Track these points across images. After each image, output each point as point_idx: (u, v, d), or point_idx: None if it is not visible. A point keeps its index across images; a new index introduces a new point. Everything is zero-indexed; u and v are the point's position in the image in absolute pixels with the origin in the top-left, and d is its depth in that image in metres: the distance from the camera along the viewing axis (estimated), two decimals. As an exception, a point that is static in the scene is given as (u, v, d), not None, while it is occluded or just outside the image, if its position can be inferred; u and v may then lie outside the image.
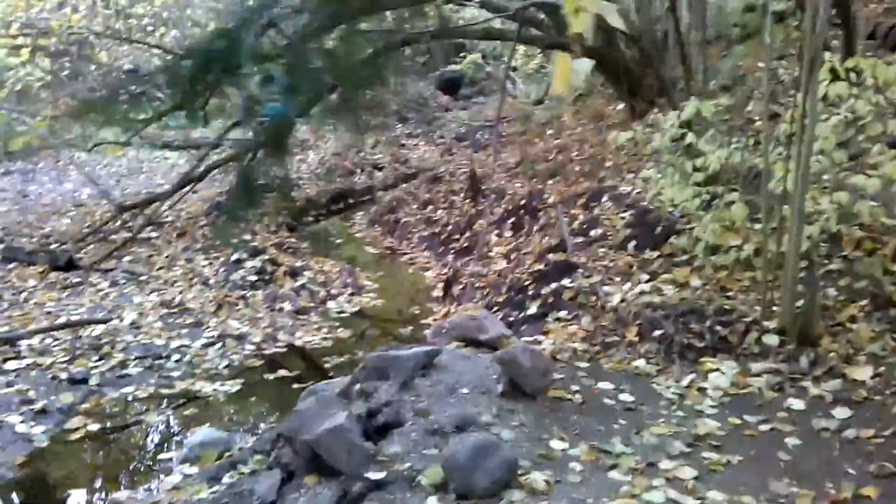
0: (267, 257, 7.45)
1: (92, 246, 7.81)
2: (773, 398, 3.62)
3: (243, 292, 6.76)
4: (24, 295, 6.48)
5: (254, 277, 7.04)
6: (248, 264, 7.22)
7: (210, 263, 7.35)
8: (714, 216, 4.56)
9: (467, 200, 9.04)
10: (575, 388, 3.70)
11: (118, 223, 8.32)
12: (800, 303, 3.97)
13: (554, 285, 5.58)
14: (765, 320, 4.11)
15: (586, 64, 2.13)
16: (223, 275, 7.02)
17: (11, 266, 7.11)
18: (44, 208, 9.45)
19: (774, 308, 4.16)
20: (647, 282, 5.12)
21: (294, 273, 7.32)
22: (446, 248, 8.41)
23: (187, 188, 8.72)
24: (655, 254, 5.47)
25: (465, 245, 8.15)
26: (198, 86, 5.88)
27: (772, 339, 3.97)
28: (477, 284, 6.83)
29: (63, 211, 9.30)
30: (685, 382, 3.84)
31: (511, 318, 5.53)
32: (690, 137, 4.76)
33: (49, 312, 6.11)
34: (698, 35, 7.79)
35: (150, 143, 12.93)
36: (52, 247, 7.60)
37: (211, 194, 9.70)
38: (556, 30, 7.88)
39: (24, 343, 5.35)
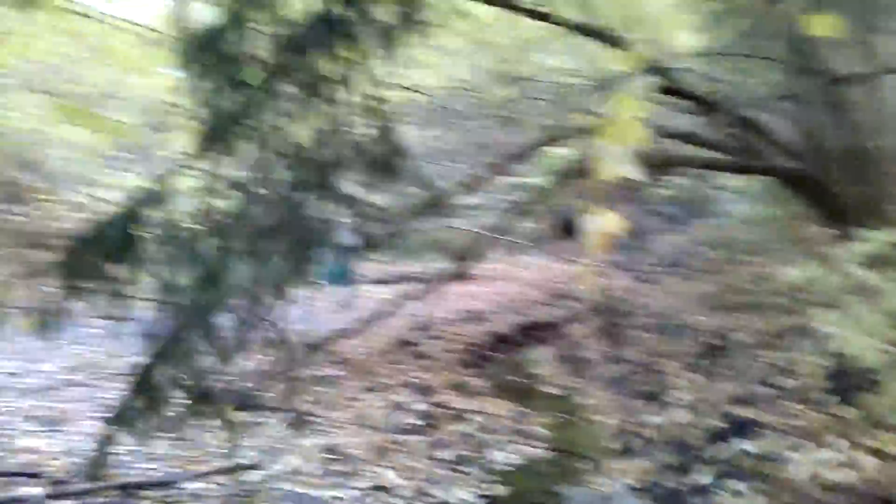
0: (433, 400, 7.26)
1: (281, 385, 8.05)
2: None
3: (405, 437, 6.57)
4: (205, 434, 6.72)
5: (418, 421, 6.86)
6: (414, 406, 7.06)
7: (379, 404, 7.28)
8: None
9: (654, 336, 8.39)
10: None
11: (303, 361, 8.55)
12: None
13: (733, 446, 4.83)
14: None
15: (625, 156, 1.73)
16: (388, 417, 6.90)
17: (201, 403, 7.46)
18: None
19: None
20: (843, 449, 4.27)
21: (460, 417, 7.05)
22: (629, 391, 7.76)
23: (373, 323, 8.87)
24: (855, 412, 4.59)
25: (648, 388, 7.47)
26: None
27: None
28: (653, 436, 6.15)
29: (253, 348, 9.62)
30: None
31: (681, 489, 4.82)
32: (875, 277, 3.98)
33: (215, 453, 6.25)
34: None
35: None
36: (238, 385, 7.91)
37: (398, 328, 9.83)
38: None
39: (181, 486, 5.46)
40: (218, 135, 4.12)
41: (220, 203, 4.69)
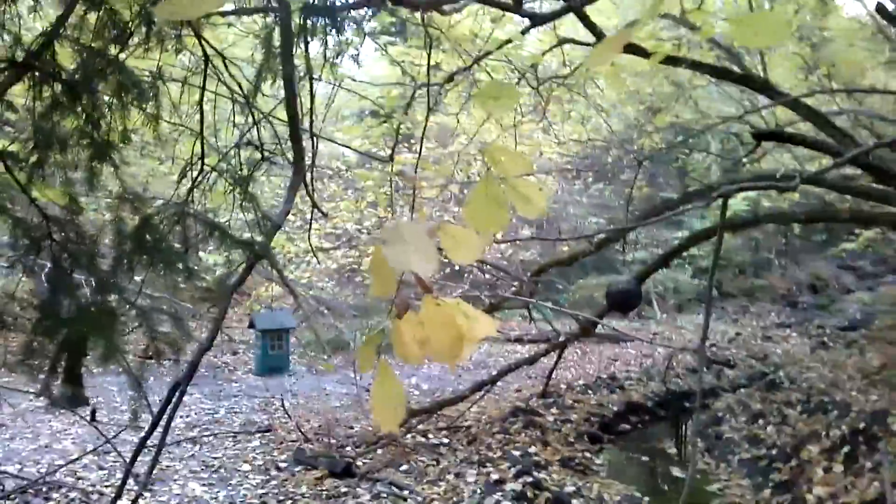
0: (534, 479, 6.66)
1: (380, 452, 7.80)
2: None
3: (492, 522, 6.03)
4: (288, 503, 6.56)
5: (509, 502, 6.28)
6: (509, 486, 6.50)
7: (473, 480, 6.79)
8: None
9: (801, 414, 7.28)
10: None
11: (406, 426, 8.25)
12: None
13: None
14: None
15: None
16: (478, 497, 6.39)
17: (298, 469, 7.35)
18: (336, 408, 9.62)
19: None
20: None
21: (558, 501, 6.38)
22: (765, 478, 6.74)
23: (482, 391, 8.44)
24: None
25: (785, 479, 6.44)
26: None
27: None
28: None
29: (355, 411, 9.41)
30: None
31: None
32: None
33: (299, 525, 6.05)
34: None
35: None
36: (337, 451, 7.73)
37: (520, 394, 9.30)
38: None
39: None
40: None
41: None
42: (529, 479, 6.68)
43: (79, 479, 6.67)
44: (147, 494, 6.59)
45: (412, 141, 11.34)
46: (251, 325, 12.28)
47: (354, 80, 6.88)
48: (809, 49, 12.09)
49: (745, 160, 10.52)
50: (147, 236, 2.78)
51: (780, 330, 14.31)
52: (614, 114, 13.44)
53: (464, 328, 1.29)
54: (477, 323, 1.30)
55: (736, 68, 6.87)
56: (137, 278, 3.29)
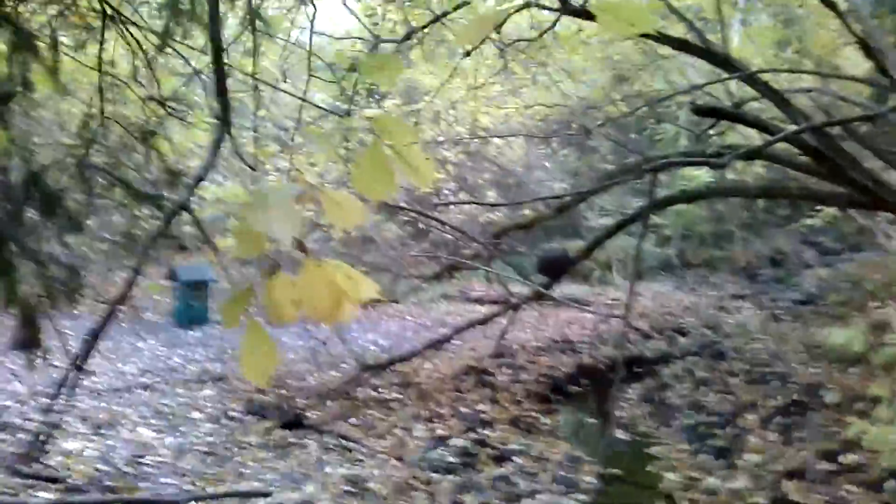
0: (481, 436, 6.81)
1: (332, 404, 7.90)
2: None
3: (433, 475, 6.17)
4: (236, 450, 6.65)
5: (453, 459, 6.43)
6: (454, 441, 6.65)
7: (422, 436, 6.93)
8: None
9: (743, 383, 7.49)
10: None
11: (360, 381, 8.36)
12: None
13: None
14: None
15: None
16: (423, 451, 6.53)
17: (248, 418, 7.43)
18: (291, 360, 9.62)
19: None
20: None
21: (502, 458, 6.55)
22: (702, 444, 6.96)
23: (435, 349, 8.56)
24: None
25: (723, 445, 6.66)
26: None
27: None
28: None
29: (309, 364, 9.46)
30: None
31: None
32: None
33: (242, 473, 6.13)
34: None
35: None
36: (288, 403, 7.82)
37: (475, 353, 9.43)
38: None
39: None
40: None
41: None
42: (474, 436, 6.83)
43: (27, 420, 6.71)
44: (95, 438, 6.65)
45: (377, 97, 11.29)
46: (171, 277, 12.34)
47: (321, 35, 6.83)
48: (781, 25, 12.15)
49: (710, 132, 10.61)
50: (35, 188, 2.78)
51: (735, 301, 14.56)
52: (586, 80, 13.44)
53: (346, 289, 1.34)
54: (359, 284, 1.35)
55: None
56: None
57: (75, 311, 9.79)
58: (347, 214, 1.30)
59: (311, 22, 5.07)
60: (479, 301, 14.36)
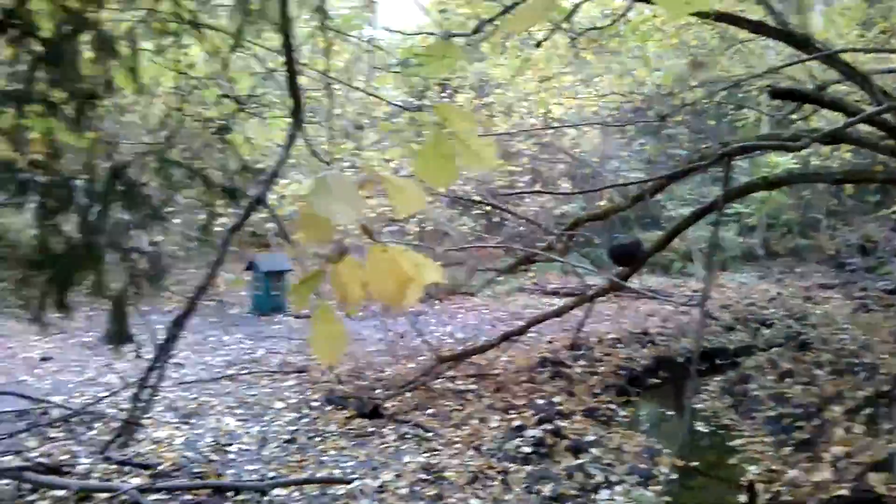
0: (556, 427, 6.80)
1: (409, 395, 8.02)
2: None
3: (509, 465, 6.20)
4: (317, 439, 6.83)
5: (528, 449, 6.45)
6: (530, 433, 6.66)
7: (496, 426, 6.97)
8: None
9: (832, 376, 7.26)
10: None
11: (435, 372, 8.44)
12: None
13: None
14: None
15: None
16: (499, 441, 6.57)
17: (329, 408, 7.61)
18: (370, 353, 9.81)
19: None
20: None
21: (578, 449, 6.53)
22: (788, 436, 6.78)
23: (510, 341, 8.57)
24: None
25: (807, 437, 6.47)
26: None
27: None
28: (785, 497, 5.28)
29: (388, 356, 9.63)
30: None
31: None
32: None
33: (322, 461, 6.30)
34: None
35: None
36: (367, 394, 7.97)
37: (547, 348, 9.41)
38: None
39: (272, 494, 5.53)
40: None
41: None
42: (550, 427, 6.82)
43: (120, 409, 7.04)
44: (183, 427, 6.94)
45: (448, 91, 11.35)
46: (251, 268, 12.75)
47: (390, 31, 6.92)
48: (867, 4, 11.63)
49: (793, 117, 10.29)
50: (117, 181, 2.93)
51: (823, 291, 14.08)
52: (661, 67, 13.17)
53: (411, 273, 1.39)
54: (424, 268, 1.40)
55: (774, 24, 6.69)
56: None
57: (165, 308, 10.23)
58: (410, 200, 1.35)
59: (372, 18, 5.17)
60: (556, 293, 14.30)
